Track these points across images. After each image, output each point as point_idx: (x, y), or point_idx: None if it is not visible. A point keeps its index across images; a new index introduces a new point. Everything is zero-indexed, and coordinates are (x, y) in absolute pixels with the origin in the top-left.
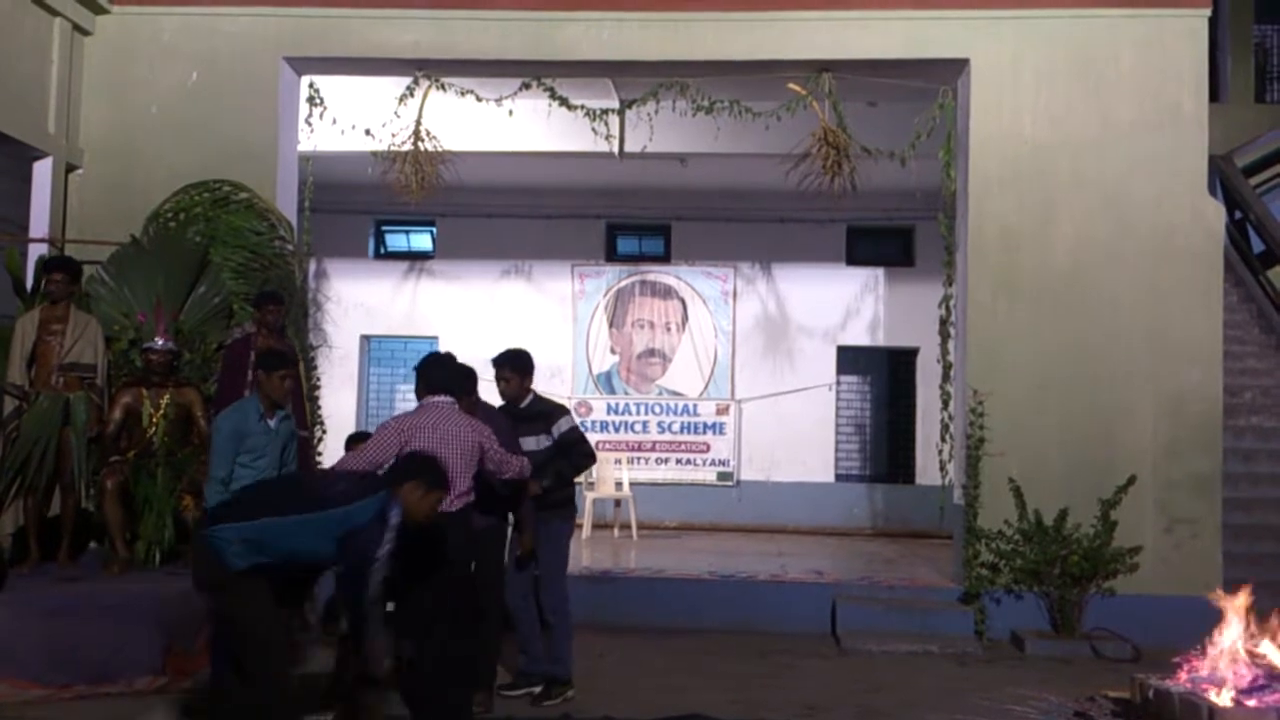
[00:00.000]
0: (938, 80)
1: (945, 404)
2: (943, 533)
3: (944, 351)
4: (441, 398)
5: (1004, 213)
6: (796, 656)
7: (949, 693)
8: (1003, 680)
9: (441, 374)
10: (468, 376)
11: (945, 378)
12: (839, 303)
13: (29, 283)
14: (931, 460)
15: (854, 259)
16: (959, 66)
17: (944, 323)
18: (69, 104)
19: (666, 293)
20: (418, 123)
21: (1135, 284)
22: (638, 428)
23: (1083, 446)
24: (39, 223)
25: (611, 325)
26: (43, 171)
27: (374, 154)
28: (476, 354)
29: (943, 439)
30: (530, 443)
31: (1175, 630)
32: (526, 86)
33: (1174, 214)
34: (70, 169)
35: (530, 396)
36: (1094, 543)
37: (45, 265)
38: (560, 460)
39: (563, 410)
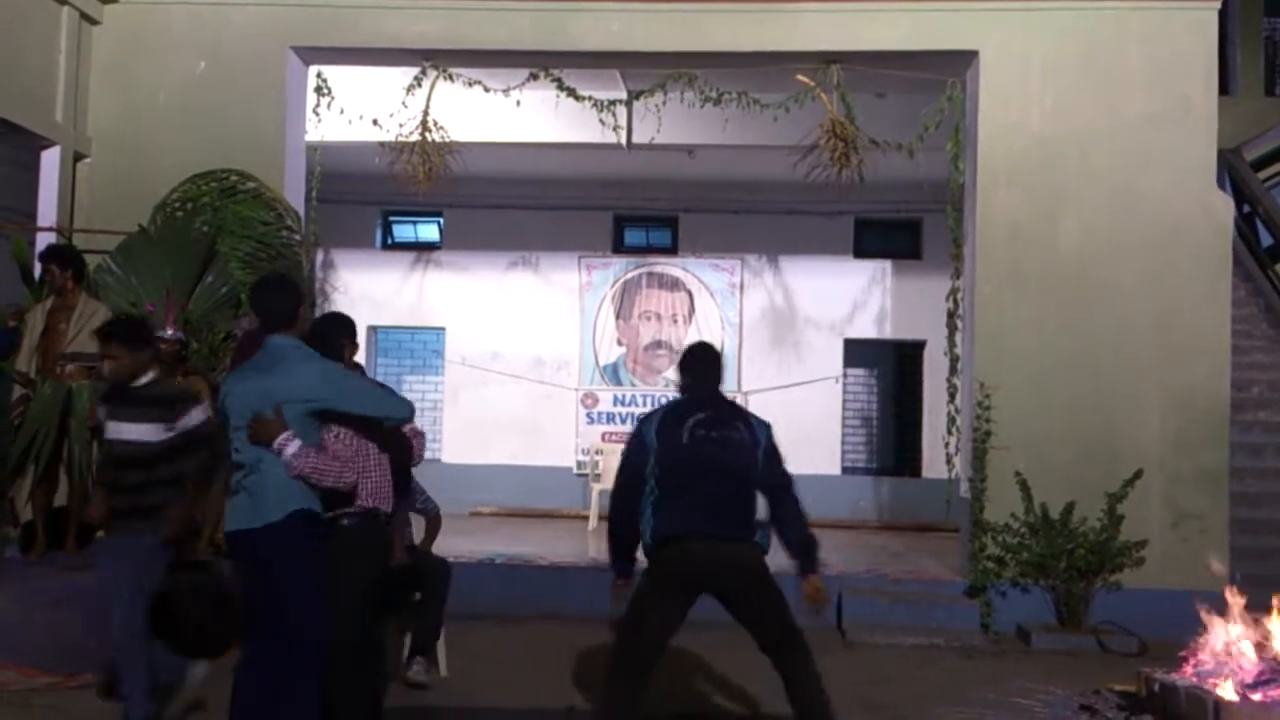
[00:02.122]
0: (946, 72)
1: (952, 397)
2: (949, 526)
3: (951, 344)
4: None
5: (1012, 206)
6: None
7: (955, 686)
8: (1009, 673)
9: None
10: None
11: (952, 371)
12: (846, 295)
13: (36, 271)
14: (938, 453)
15: (861, 251)
16: (967, 59)
17: (951, 315)
18: (77, 93)
19: (674, 284)
20: (425, 113)
21: (1143, 277)
22: None
23: (1090, 440)
24: (47, 212)
25: (618, 317)
26: (50, 160)
27: (381, 144)
28: (484, 345)
29: (949, 432)
30: (138, 431)
31: (1181, 624)
32: (534, 77)
33: (1182, 208)
34: (78, 158)
35: (150, 374)
36: (1100, 536)
37: (41, 255)
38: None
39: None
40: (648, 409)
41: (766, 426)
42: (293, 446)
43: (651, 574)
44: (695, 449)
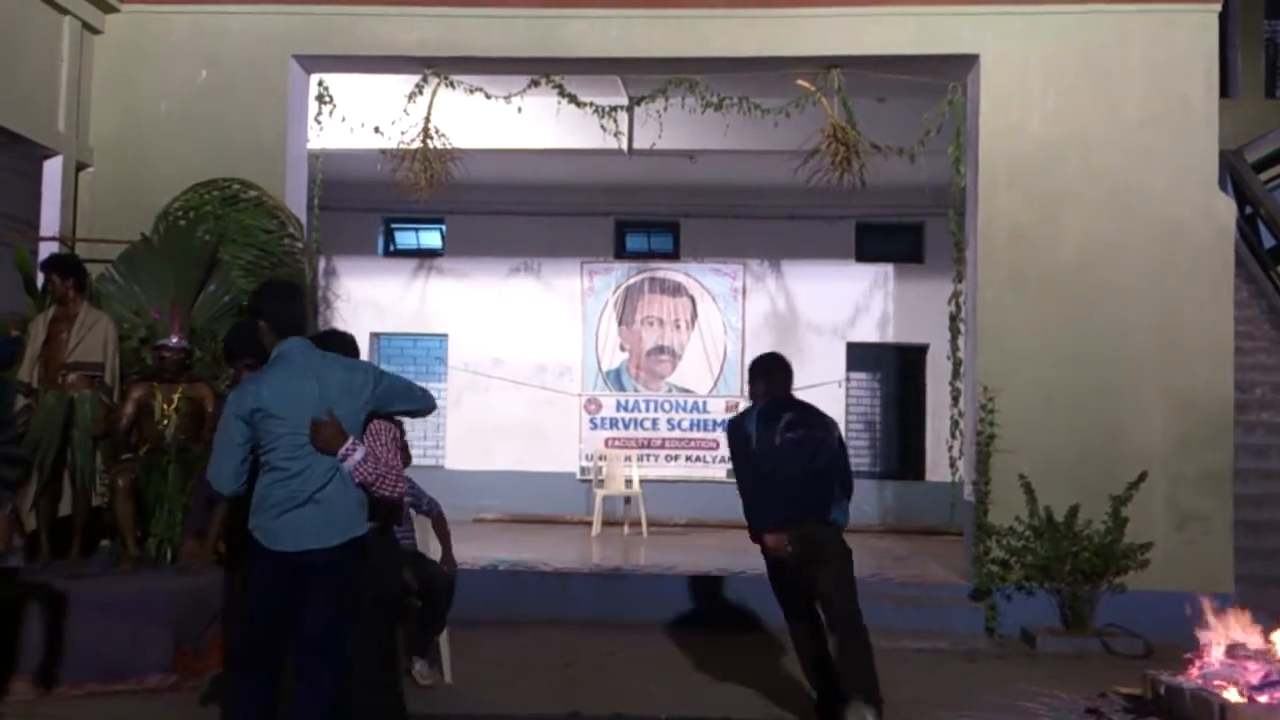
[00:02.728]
0: (947, 76)
1: (955, 400)
2: (953, 529)
3: (954, 348)
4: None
5: (1014, 209)
6: None
7: (960, 690)
8: (1014, 677)
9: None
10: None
11: (955, 374)
12: (848, 299)
13: (39, 281)
14: (941, 457)
15: (863, 255)
16: (968, 62)
17: (954, 319)
18: (79, 102)
19: (676, 290)
20: (426, 120)
21: (1145, 279)
22: (647, 425)
23: (1093, 442)
24: (49, 221)
25: (621, 322)
26: (53, 170)
27: (383, 151)
28: (487, 351)
29: (953, 435)
30: None
31: (1187, 626)
32: (535, 84)
33: (1184, 210)
34: (80, 167)
35: None
36: (1105, 539)
37: (43, 265)
38: None
39: None
40: (651, 414)
41: (837, 425)
42: (359, 453)
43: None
44: (787, 446)
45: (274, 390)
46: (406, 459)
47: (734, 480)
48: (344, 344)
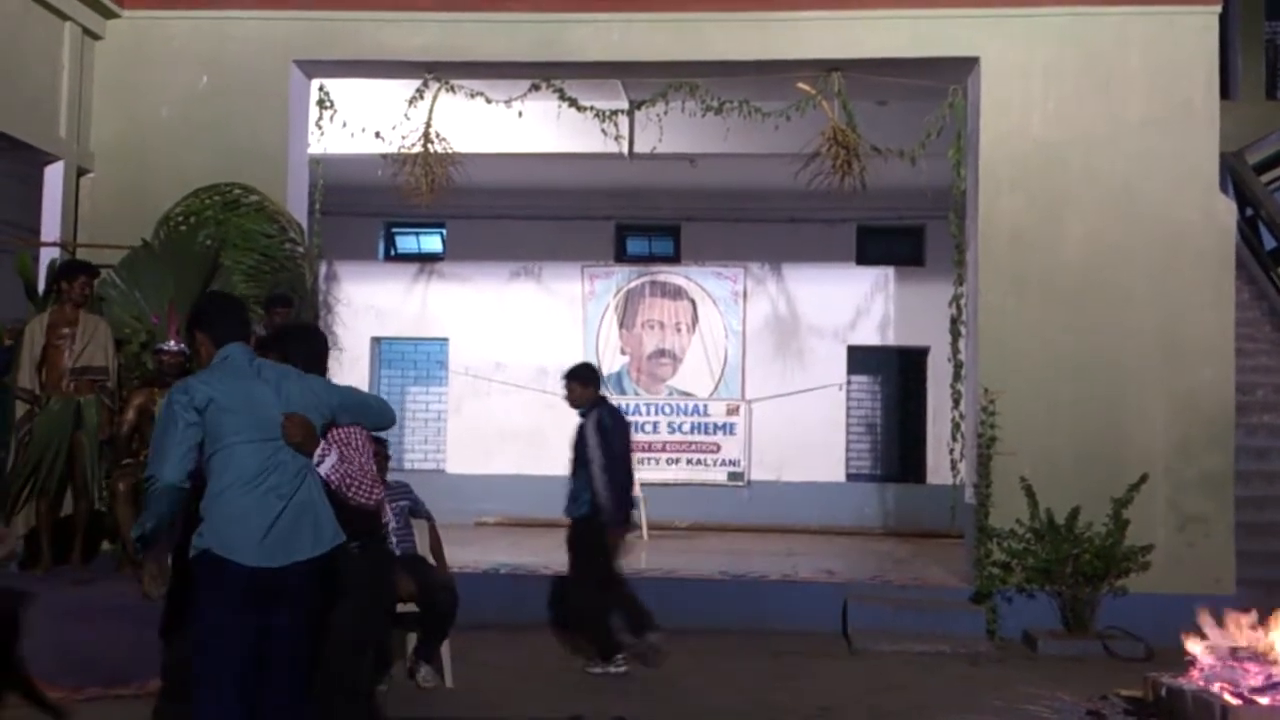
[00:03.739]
0: (947, 79)
1: (956, 403)
2: (954, 532)
3: (955, 351)
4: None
5: (1014, 211)
6: (808, 656)
7: (961, 692)
8: (1015, 680)
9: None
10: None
11: (956, 377)
12: (849, 302)
13: (41, 287)
14: (942, 460)
15: (864, 259)
16: (969, 65)
17: (955, 322)
18: (80, 108)
19: (676, 293)
20: (427, 125)
21: (1146, 282)
22: (648, 428)
23: (1094, 445)
24: (50, 227)
25: (621, 326)
26: (54, 175)
27: (384, 156)
28: (487, 355)
29: (954, 438)
30: None
31: (1188, 629)
32: (536, 88)
33: (1185, 212)
34: (81, 173)
35: None
36: (1106, 541)
37: (69, 269)
38: None
39: None
40: (652, 417)
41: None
42: (334, 454)
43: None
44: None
45: (226, 387)
46: (383, 466)
47: (734, 484)
48: (309, 339)
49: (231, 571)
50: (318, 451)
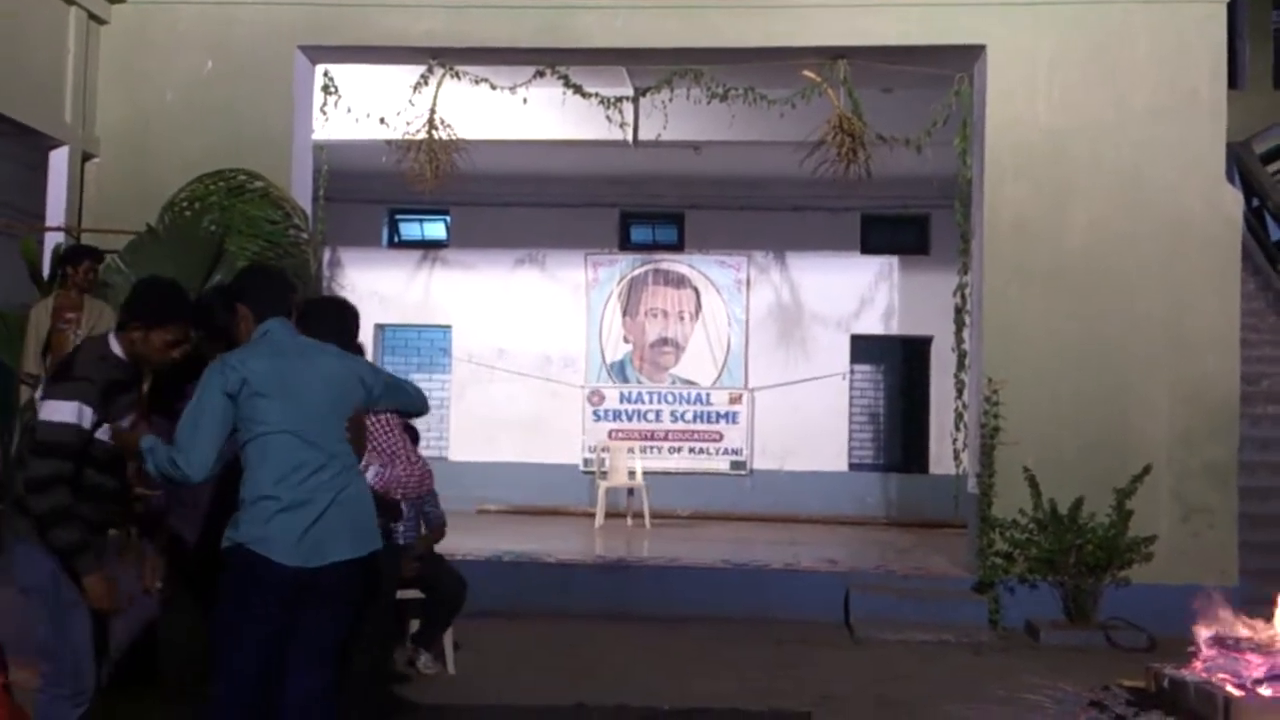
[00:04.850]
0: (954, 67)
1: (960, 392)
2: (957, 522)
3: (959, 340)
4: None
5: (1020, 200)
6: (810, 646)
7: (963, 682)
8: (1017, 669)
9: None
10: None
11: (960, 366)
12: (853, 291)
13: (45, 271)
14: (946, 449)
15: (868, 247)
16: (975, 53)
17: (959, 311)
18: (85, 93)
19: (680, 281)
20: (432, 111)
21: (1152, 271)
22: (651, 417)
23: (1098, 435)
24: (55, 212)
25: (625, 314)
26: (59, 160)
27: (388, 143)
28: (491, 343)
29: (957, 428)
30: None
31: (1191, 620)
32: (540, 74)
33: (1191, 201)
34: (86, 158)
35: None
36: (1109, 532)
37: (75, 253)
38: None
39: None
40: (655, 405)
41: None
42: (371, 471)
43: None
44: None
45: (264, 367)
46: (415, 439)
47: (737, 472)
48: (342, 314)
49: (265, 569)
50: (361, 464)
